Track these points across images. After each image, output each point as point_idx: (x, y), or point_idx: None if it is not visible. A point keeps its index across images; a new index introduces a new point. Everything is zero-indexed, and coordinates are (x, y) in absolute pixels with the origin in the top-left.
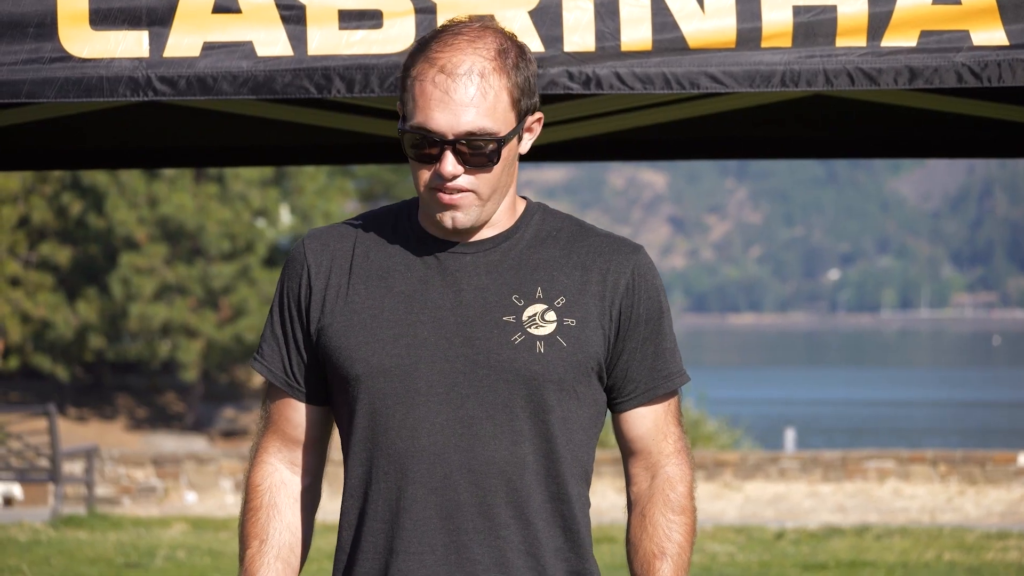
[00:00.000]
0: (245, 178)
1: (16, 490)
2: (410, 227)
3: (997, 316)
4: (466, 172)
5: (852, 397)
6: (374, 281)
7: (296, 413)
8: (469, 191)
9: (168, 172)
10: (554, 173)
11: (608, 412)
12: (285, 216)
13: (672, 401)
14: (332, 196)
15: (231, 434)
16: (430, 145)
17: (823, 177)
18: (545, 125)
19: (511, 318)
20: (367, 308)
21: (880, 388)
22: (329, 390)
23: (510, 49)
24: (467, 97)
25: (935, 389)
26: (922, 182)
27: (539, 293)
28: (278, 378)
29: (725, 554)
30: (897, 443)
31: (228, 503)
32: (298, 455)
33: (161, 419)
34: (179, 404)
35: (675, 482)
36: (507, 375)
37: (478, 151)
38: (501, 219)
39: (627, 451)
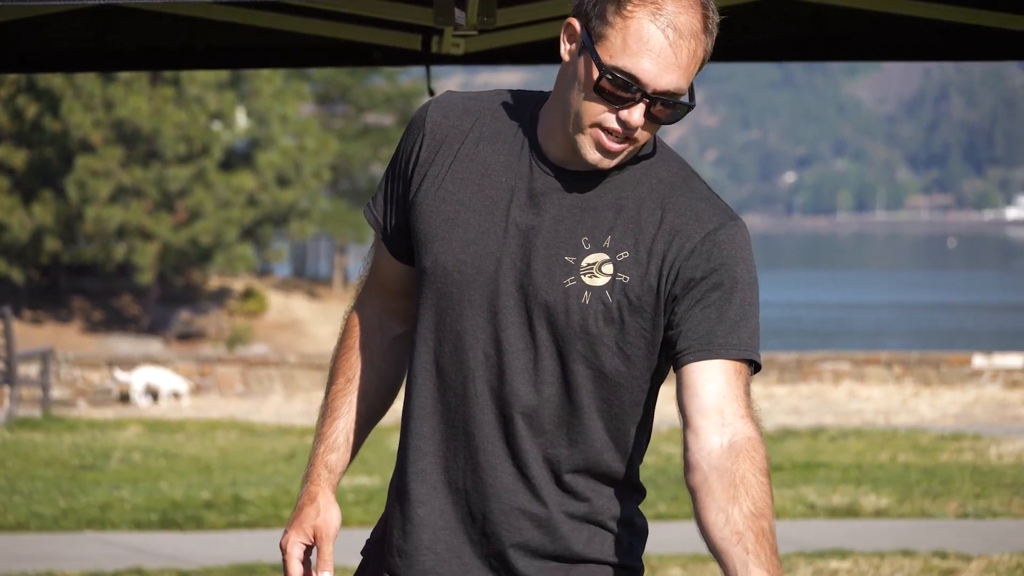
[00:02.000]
0: (201, 81)
1: (182, 385)
2: (528, 130)
3: (952, 218)
4: (642, 126)
5: (808, 299)
6: (471, 175)
7: (392, 266)
8: (633, 142)
9: (124, 75)
10: (510, 76)
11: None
12: (241, 119)
13: (742, 371)
14: (288, 99)
15: (187, 337)
16: (624, 89)
17: (779, 81)
18: (501, 28)
19: (571, 259)
20: (455, 201)
21: (836, 290)
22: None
23: (710, 11)
24: (683, 58)
25: (891, 291)
26: (878, 86)
27: (607, 242)
28: (380, 228)
29: (680, 456)
30: (852, 345)
31: (183, 406)
32: (396, 303)
33: (117, 322)
34: (135, 307)
35: (757, 445)
36: (548, 315)
37: (666, 109)
38: None
39: (693, 410)
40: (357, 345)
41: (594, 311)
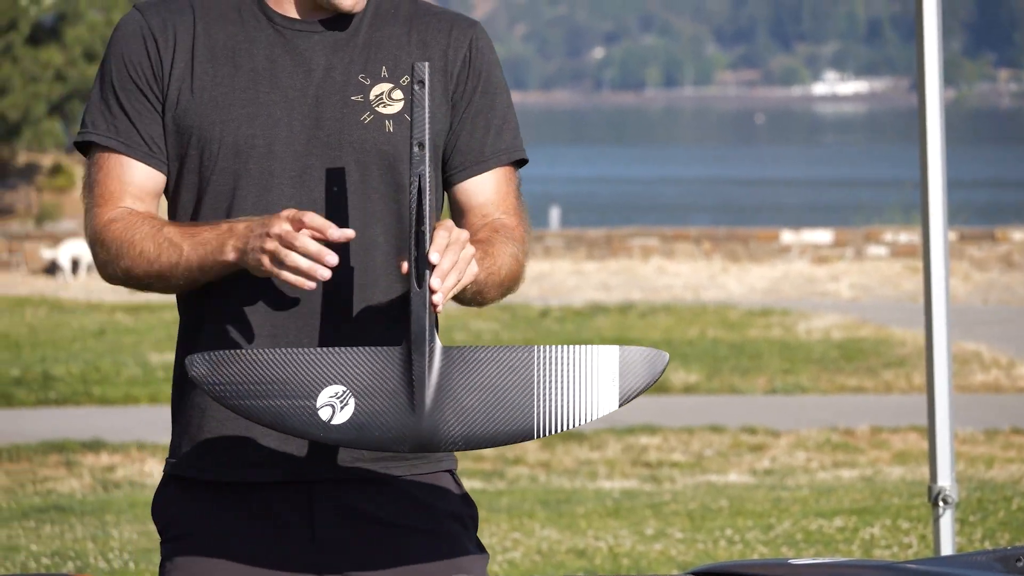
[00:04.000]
0: None
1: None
2: (253, 3)
3: (759, 94)
4: None
5: (616, 175)
6: (220, 60)
7: (148, 177)
8: None
9: None
10: None
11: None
12: None
13: (512, 176)
14: None
15: None
16: None
17: None
18: None
19: (359, 97)
20: (217, 86)
21: (645, 166)
22: (171, 167)
23: None
24: None
25: (699, 167)
26: None
27: (384, 72)
28: (127, 147)
29: (490, 332)
30: (661, 220)
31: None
32: (151, 210)
33: None
34: None
35: (513, 227)
36: (359, 156)
37: None
38: None
39: (462, 212)
40: (135, 220)
41: (399, 138)
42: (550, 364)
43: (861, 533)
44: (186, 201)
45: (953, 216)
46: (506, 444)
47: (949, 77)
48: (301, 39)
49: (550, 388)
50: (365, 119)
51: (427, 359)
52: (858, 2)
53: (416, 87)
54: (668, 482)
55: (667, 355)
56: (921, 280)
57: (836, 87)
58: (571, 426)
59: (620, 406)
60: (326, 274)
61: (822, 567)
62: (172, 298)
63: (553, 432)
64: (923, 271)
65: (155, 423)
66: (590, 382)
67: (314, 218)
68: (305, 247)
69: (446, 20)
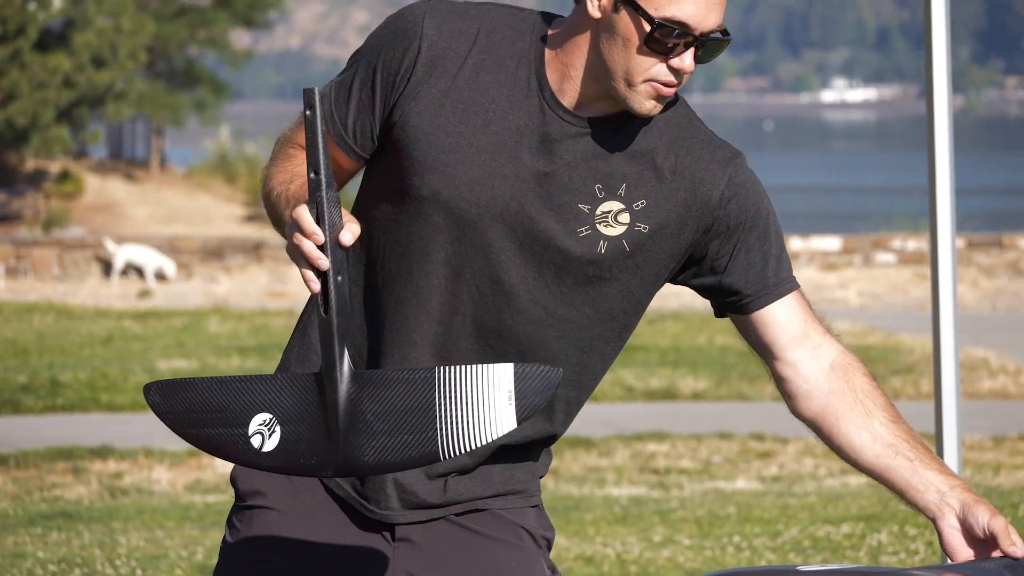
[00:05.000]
0: None
1: (169, 265)
2: (533, 67)
3: (769, 101)
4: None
5: None
6: (474, 108)
7: (339, 161)
8: (678, 84)
9: None
10: None
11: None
12: None
13: (800, 295)
14: None
15: (2, 219)
16: (676, 38)
17: None
18: None
19: (586, 208)
20: (456, 133)
21: None
22: (380, 167)
23: None
24: None
25: None
26: None
27: (622, 191)
28: (338, 133)
29: None
30: None
31: (171, 288)
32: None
33: None
34: None
35: (853, 357)
36: (560, 262)
37: (711, 47)
38: None
39: (780, 345)
40: (287, 172)
41: (609, 261)
42: (450, 385)
43: (868, 540)
44: (385, 211)
45: (961, 223)
46: (418, 467)
47: (958, 84)
48: (557, 126)
49: (450, 409)
50: (582, 232)
51: (338, 384)
52: (867, 10)
53: (307, 113)
54: (676, 489)
55: (560, 370)
56: (929, 287)
57: (845, 94)
58: (472, 447)
59: (519, 424)
60: (315, 287)
61: (830, 574)
62: (179, 304)
63: (457, 454)
64: (931, 278)
65: (163, 430)
66: (488, 401)
67: (302, 216)
68: (300, 246)
69: (707, 151)
